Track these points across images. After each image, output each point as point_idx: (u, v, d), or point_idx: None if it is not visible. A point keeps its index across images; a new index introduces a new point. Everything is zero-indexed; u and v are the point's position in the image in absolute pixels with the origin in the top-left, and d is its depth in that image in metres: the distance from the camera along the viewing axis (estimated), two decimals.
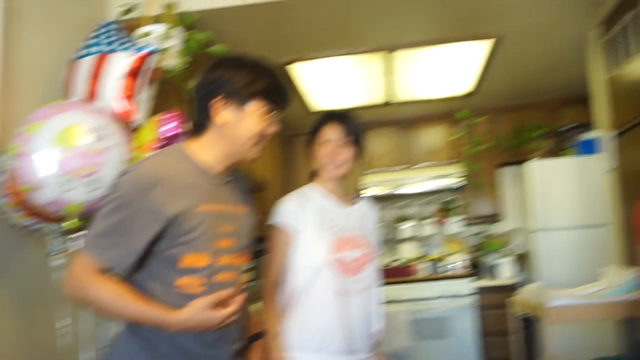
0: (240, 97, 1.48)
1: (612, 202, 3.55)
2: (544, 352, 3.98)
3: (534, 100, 5.18)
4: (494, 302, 4.71)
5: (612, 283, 2.92)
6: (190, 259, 1.42)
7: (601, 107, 3.58)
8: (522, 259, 5.18)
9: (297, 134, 5.49)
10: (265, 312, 1.92)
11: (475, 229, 5.37)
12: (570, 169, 4.56)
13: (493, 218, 5.30)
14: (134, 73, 1.88)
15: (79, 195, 1.78)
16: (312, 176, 2.10)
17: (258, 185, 4.24)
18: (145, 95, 1.95)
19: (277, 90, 1.53)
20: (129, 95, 1.88)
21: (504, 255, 5.00)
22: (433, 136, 5.40)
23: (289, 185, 5.42)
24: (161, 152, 1.58)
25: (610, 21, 3.27)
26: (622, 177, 3.40)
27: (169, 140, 1.92)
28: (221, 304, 1.41)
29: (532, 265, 4.78)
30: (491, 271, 5.04)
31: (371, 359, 2.01)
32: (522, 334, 4.66)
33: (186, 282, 1.42)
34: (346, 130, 1.99)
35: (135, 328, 1.44)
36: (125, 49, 1.90)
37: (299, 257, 1.93)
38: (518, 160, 5.07)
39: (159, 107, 2.81)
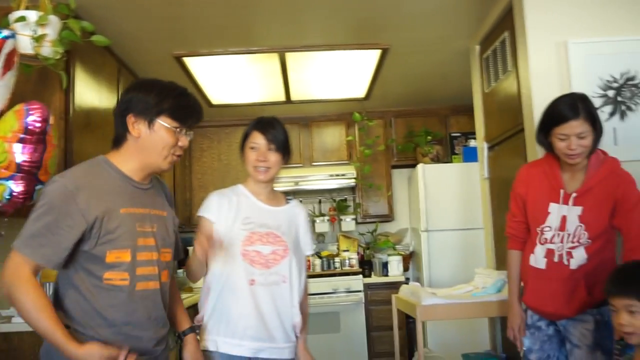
0: (149, 115, 1.70)
1: (485, 208, 3.80)
2: (424, 347, 4.22)
3: (426, 107, 5.45)
4: (383, 299, 4.89)
5: (479, 284, 3.13)
6: (114, 255, 1.64)
7: (479, 120, 3.82)
8: (411, 258, 5.43)
9: (196, 126, 5.42)
10: None
11: (368, 227, 5.55)
12: (454, 175, 4.84)
13: (385, 218, 5.51)
14: None
15: None
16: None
17: None
18: (4, 82, 1.86)
19: (183, 109, 1.74)
20: None
21: (395, 254, 5.22)
22: (331, 136, 5.53)
23: (186, 176, 5.37)
24: (86, 162, 1.76)
25: (488, 39, 3.50)
26: (493, 186, 3.64)
27: (34, 131, 1.86)
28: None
29: (420, 264, 5.03)
30: (382, 268, 5.24)
31: (290, 348, 2.15)
32: (406, 330, 4.91)
33: (112, 276, 1.65)
34: (272, 138, 2.15)
35: None
36: None
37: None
38: (410, 163, 5.32)
39: (37, 94, 2.71)
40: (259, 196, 2.21)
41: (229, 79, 4.37)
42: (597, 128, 2.17)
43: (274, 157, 2.16)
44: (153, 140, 1.71)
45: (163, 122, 1.71)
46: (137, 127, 1.71)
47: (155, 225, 1.77)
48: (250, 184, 2.23)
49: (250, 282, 2.06)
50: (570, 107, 2.16)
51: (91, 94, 3.26)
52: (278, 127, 2.20)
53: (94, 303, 1.64)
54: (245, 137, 2.23)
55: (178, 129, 1.73)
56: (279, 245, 2.13)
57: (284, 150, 2.19)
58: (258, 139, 2.17)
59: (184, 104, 1.76)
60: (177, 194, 5.08)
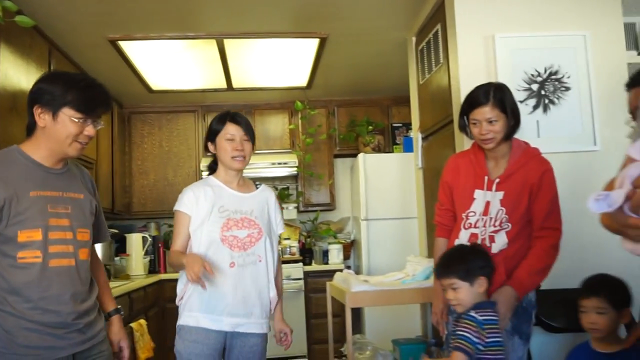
0: (54, 106, 1.80)
1: (419, 197, 3.89)
2: (359, 333, 4.29)
3: (368, 98, 5.51)
4: (323, 287, 4.92)
5: (410, 272, 3.21)
6: (26, 235, 1.76)
7: (414, 111, 3.90)
8: (352, 246, 5.50)
9: (137, 112, 5.37)
10: None
11: (309, 215, 5.60)
12: (395, 164, 4.92)
13: (327, 206, 5.56)
14: None
15: None
16: (211, 169, 2.47)
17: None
18: None
19: (87, 101, 1.81)
20: None
21: (335, 242, 5.27)
22: (274, 124, 5.53)
23: (126, 161, 5.28)
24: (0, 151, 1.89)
25: (423, 31, 3.56)
26: (426, 176, 3.73)
27: None
28: None
29: (360, 252, 5.10)
30: (322, 257, 5.29)
31: (267, 322, 2.38)
32: (343, 316, 4.97)
33: (25, 254, 1.76)
34: (246, 129, 2.37)
35: None
36: None
37: (195, 235, 2.30)
38: (352, 153, 5.37)
39: None
40: (231, 185, 2.40)
41: (169, 64, 4.31)
42: (509, 115, 2.25)
43: (248, 147, 2.38)
44: (57, 130, 1.81)
45: (66, 114, 1.80)
46: (42, 117, 1.81)
47: (70, 206, 1.88)
48: (221, 174, 2.42)
49: (231, 264, 2.28)
50: (483, 93, 2.25)
51: (19, 75, 3.16)
52: (246, 120, 2.42)
53: (10, 281, 1.75)
54: (217, 130, 2.38)
55: (82, 120, 1.82)
56: (254, 229, 2.34)
57: (254, 140, 2.43)
58: (234, 130, 2.35)
59: (89, 96, 1.83)
60: (116, 180, 4.99)
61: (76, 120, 1.81)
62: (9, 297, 1.75)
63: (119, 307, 2.15)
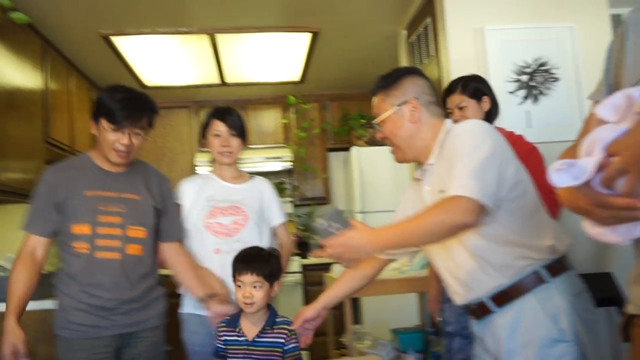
0: (96, 117, 2.06)
1: None
2: (358, 324, 4.33)
3: (360, 91, 5.52)
4: (320, 279, 4.98)
5: (406, 262, 3.26)
6: (77, 228, 2.04)
7: None
8: None
9: None
10: None
11: (305, 209, 5.64)
12: (387, 157, 4.83)
13: (321, 200, 5.60)
14: None
15: None
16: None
17: None
18: None
19: (118, 113, 2.00)
20: None
21: None
22: (267, 119, 5.56)
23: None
24: (75, 157, 2.25)
25: (413, 25, 3.60)
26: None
27: None
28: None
29: None
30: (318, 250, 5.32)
31: None
32: (342, 308, 5.02)
33: (77, 245, 2.04)
34: (232, 125, 2.43)
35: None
36: None
37: (185, 223, 2.39)
38: (345, 146, 5.41)
39: None
40: (224, 177, 2.49)
41: (161, 60, 4.33)
42: (481, 101, 2.32)
43: (235, 142, 2.43)
44: (101, 138, 2.07)
45: (103, 124, 2.03)
46: (93, 126, 2.09)
47: (124, 206, 2.11)
48: (216, 168, 2.52)
49: (216, 251, 2.34)
50: (453, 83, 2.37)
51: (13, 72, 3.18)
52: (235, 115, 2.47)
53: (69, 266, 2.07)
54: (206, 125, 2.47)
55: (116, 130, 2.02)
56: (239, 215, 2.40)
57: (243, 134, 2.47)
58: (220, 127, 2.42)
59: (120, 108, 2.01)
60: None
61: (110, 131, 2.02)
62: (67, 280, 2.06)
63: (208, 292, 2.27)
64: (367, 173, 4.96)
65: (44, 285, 2.22)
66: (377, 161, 4.96)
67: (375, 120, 1.75)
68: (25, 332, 1.95)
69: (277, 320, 1.95)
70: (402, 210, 1.84)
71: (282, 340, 1.91)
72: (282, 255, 2.39)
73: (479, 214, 1.42)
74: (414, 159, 1.75)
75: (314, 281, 5.08)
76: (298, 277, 5.07)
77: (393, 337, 3.30)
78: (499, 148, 1.52)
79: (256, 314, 1.93)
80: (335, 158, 5.76)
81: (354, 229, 1.55)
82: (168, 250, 2.29)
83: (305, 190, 5.56)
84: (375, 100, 1.76)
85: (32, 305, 2.17)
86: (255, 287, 1.89)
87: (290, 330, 1.94)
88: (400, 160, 1.78)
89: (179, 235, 2.32)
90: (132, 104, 2.05)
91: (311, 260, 5.22)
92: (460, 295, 1.66)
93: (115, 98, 2.02)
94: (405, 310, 4.33)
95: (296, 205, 5.59)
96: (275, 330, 1.93)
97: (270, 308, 1.99)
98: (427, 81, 1.76)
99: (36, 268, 2.07)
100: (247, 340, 1.92)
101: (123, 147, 2.04)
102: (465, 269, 1.59)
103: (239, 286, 1.91)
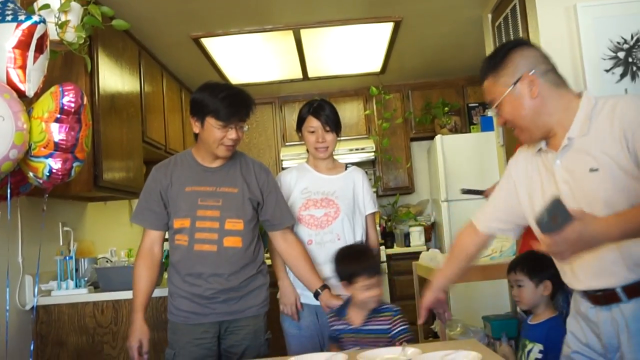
0: (200, 116, 2.14)
1: (501, 174, 3.84)
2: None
3: (443, 79, 5.46)
4: (406, 269, 4.98)
5: (498, 248, 3.21)
6: (179, 222, 2.18)
7: None
8: (433, 229, 5.50)
9: None
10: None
11: (389, 199, 5.64)
12: (473, 144, 4.87)
13: (405, 190, 5.59)
14: (23, 43, 1.90)
15: None
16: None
17: None
18: (37, 66, 1.97)
19: (225, 110, 2.09)
20: (21, 66, 1.91)
21: (416, 224, 5.30)
22: (349, 111, 5.59)
23: None
24: (178, 153, 2.36)
25: (499, 7, 3.51)
26: (509, 152, 3.68)
27: (69, 111, 1.96)
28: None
29: (441, 234, 5.09)
30: (404, 239, 5.33)
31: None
32: None
33: (179, 237, 2.19)
34: (326, 120, 2.48)
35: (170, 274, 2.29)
36: (15, 19, 1.91)
37: None
38: (428, 135, 5.36)
39: (63, 79, 2.83)
40: (319, 168, 2.56)
41: (247, 58, 4.46)
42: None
43: (330, 137, 2.49)
44: (206, 136, 2.15)
45: (210, 122, 2.12)
46: (195, 125, 2.18)
47: (221, 200, 2.20)
48: (311, 159, 2.59)
49: (309, 242, 2.44)
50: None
51: (114, 77, 3.38)
52: (329, 109, 2.51)
53: (172, 258, 2.24)
54: (302, 120, 2.54)
55: (223, 126, 2.11)
56: (331, 208, 2.46)
57: (337, 128, 2.52)
58: (314, 123, 2.48)
59: (227, 105, 2.10)
60: None
61: (218, 127, 2.10)
62: (172, 269, 2.24)
63: (324, 284, 2.33)
64: (451, 161, 4.89)
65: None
66: (461, 149, 4.88)
67: (492, 106, 1.64)
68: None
69: (380, 308, 2.03)
70: (511, 180, 1.78)
71: (387, 327, 1.97)
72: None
73: None
74: (543, 136, 1.61)
75: (399, 270, 5.09)
76: (383, 267, 5.08)
77: (484, 324, 3.25)
78: None
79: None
80: (418, 147, 5.72)
81: (579, 221, 1.35)
82: (277, 239, 2.36)
83: (389, 181, 5.56)
84: (486, 84, 1.63)
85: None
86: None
87: (394, 315, 1.99)
88: (527, 142, 1.67)
89: (284, 222, 2.36)
90: (235, 100, 2.14)
91: (395, 250, 5.23)
92: (582, 282, 1.60)
93: (218, 97, 2.11)
94: (493, 297, 4.25)
95: (380, 196, 5.60)
96: (379, 318, 2.02)
97: None
98: (537, 50, 1.62)
99: (156, 263, 2.25)
100: (354, 329, 2.03)
101: (231, 142, 2.15)
102: (604, 257, 1.50)
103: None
